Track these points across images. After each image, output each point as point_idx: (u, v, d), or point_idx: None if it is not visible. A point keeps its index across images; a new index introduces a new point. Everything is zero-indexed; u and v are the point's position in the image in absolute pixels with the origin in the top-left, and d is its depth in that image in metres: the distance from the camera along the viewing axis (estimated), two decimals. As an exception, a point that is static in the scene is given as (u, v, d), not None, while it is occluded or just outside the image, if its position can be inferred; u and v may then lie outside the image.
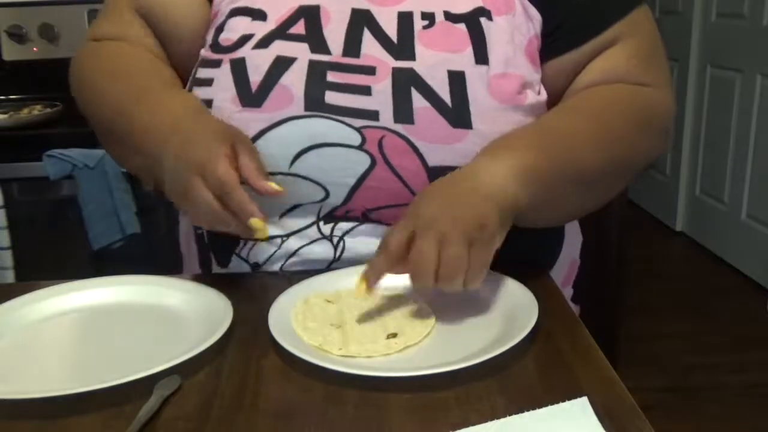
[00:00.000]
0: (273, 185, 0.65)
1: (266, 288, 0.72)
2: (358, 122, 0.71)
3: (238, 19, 0.76)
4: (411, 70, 0.71)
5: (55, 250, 1.70)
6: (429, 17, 0.73)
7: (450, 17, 0.73)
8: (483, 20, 0.73)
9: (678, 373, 2.15)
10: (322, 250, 0.76)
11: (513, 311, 0.65)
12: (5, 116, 1.69)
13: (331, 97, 0.71)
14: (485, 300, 0.68)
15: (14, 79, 1.94)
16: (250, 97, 0.72)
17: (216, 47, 0.76)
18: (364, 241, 0.75)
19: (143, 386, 0.55)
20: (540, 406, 0.51)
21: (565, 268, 0.87)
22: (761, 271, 2.69)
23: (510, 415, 0.51)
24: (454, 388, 0.55)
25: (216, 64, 0.75)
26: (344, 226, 0.75)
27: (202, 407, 0.54)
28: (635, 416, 0.51)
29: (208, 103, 0.74)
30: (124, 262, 1.63)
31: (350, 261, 0.76)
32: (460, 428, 0.50)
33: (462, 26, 0.73)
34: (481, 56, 0.72)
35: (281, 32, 0.74)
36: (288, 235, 0.76)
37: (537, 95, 0.75)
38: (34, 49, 1.91)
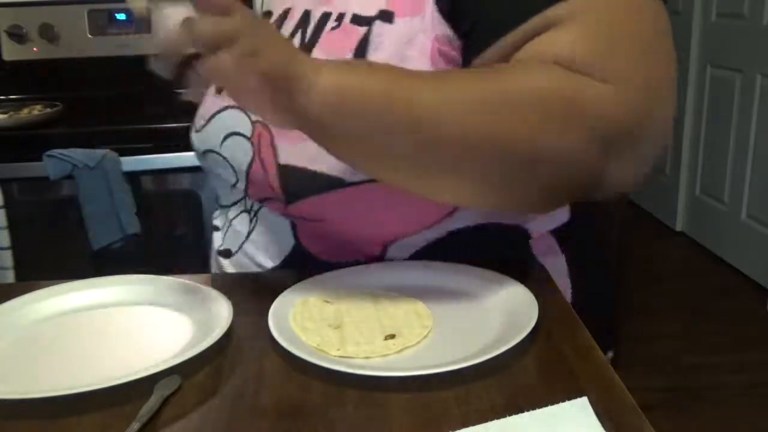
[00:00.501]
0: None
1: (266, 288, 0.72)
2: (255, 116, 0.78)
3: None
4: None
5: (55, 250, 1.70)
6: (340, 19, 0.74)
7: (356, 20, 0.73)
8: (378, 23, 0.71)
9: (678, 373, 2.15)
10: (243, 223, 0.83)
11: (513, 311, 0.65)
12: (5, 116, 1.69)
13: None
14: (485, 300, 0.68)
15: (14, 79, 1.94)
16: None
17: None
18: (269, 225, 0.81)
19: (143, 386, 0.55)
20: (540, 406, 0.51)
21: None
22: (761, 271, 2.69)
23: (510, 415, 0.51)
24: (454, 388, 0.55)
25: None
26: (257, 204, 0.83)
27: (202, 407, 0.54)
28: (635, 416, 0.51)
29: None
30: (124, 262, 1.64)
31: (262, 233, 0.81)
32: (460, 428, 0.50)
33: (363, 30, 0.72)
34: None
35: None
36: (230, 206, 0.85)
37: None
38: (34, 49, 1.91)
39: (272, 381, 0.58)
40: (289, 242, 0.79)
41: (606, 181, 0.63)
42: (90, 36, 1.93)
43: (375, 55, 0.71)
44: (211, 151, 0.83)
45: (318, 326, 0.64)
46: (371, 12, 0.73)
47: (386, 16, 0.72)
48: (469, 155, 0.60)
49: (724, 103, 2.89)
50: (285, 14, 0.81)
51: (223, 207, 0.88)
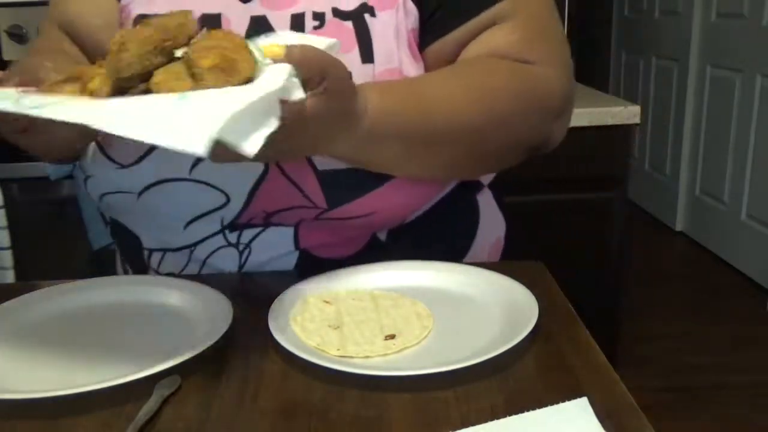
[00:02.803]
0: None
1: (266, 288, 0.72)
2: None
3: None
4: None
5: (55, 250, 1.70)
6: (320, 17, 0.74)
7: (338, 14, 0.74)
8: (367, 17, 0.73)
9: (678, 373, 2.15)
10: (230, 258, 0.78)
11: (513, 311, 0.65)
12: (5, 116, 1.68)
13: None
14: (485, 300, 0.68)
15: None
16: None
17: None
18: (268, 247, 0.77)
19: (143, 386, 0.55)
20: (540, 406, 0.51)
21: (486, 249, 0.89)
22: (761, 271, 2.69)
23: (510, 415, 0.51)
24: (454, 388, 0.55)
25: None
26: (249, 233, 0.77)
27: (202, 407, 0.54)
28: (635, 416, 0.51)
29: None
30: (124, 262, 1.63)
31: (256, 267, 0.78)
32: (460, 428, 0.50)
33: (349, 24, 0.73)
34: (367, 55, 0.73)
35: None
36: (195, 245, 0.78)
37: None
38: (34, 48, 1.91)
39: (272, 381, 0.58)
40: (290, 253, 0.78)
41: (550, 140, 0.79)
42: (90, 36, 1.92)
43: (379, 50, 0.72)
44: (166, 181, 0.73)
45: (318, 326, 0.64)
46: (351, 6, 0.74)
47: (369, 9, 0.74)
48: (465, 149, 0.73)
49: (724, 103, 2.89)
50: (206, 20, 0.75)
51: (169, 250, 0.80)
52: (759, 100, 2.66)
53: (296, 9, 0.75)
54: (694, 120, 3.14)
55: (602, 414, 0.50)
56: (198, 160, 0.72)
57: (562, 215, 1.79)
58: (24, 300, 0.71)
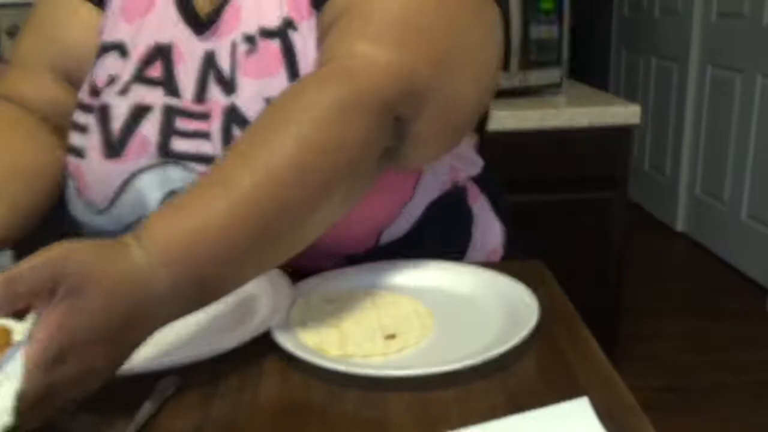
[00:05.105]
0: None
1: (266, 288, 0.72)
2: (201, 168, 0.70)
3: (108, 56, 0.76)
4: (233, 107, 0.70)
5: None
6: (251, 40, 0.71)
7: (264, 33, 0.71)
8: (290, 32, 0.71)
9: (678, 373, 2.15)
10: None
11: (513, 311, 0.65)
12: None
13: (178, 144, 0.71)
14: (485, 300, 0.68)
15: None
16: (112, 147, 0.72)
17: (93, 89, 0.76)
18: None
19: (143, 386, 0.55)
20: (540, 406, 0.51)
21: (482, 258, 0.87)
22: (761, 271, 2.69)
23: (510, 415, 0.51)
24: (454, 388, 0.55)
25: (89, 109, 0.74)
26: None
27: (202, 407, 0.54)
28: (635, 416, 0.51)
29: (81, 151, 0.73)
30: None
31: None
32: (460, 428, 0.50)
33: (276, 43, 0.71)
34: (294, 73, 0.70)
35: (140, 75, 0.73)
36: None
37: None
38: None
39: (272, 381, 0.58)
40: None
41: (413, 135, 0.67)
42: (90, 36, 1.92)
43: (305, 68, 0.70)
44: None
45: (318, 326, 0.64)
46: (276, 23, 0.71)
47: (291, 24, 0.71)
48: (335, 191, 0.59)
49: (724, 103, 2.89)
50: (159, 51, 0.73)
51: None
52: (759, 100, 2.66)
53: (234, 35, 0.72)
54: (694, 120, 3.14)
55: (602, 414, 0.50)
56: (165, 198, 0.70)
57: (562, 215, 1.79)
58: None
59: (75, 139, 0.75)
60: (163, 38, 0.74)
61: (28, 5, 1.90)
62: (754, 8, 2.66)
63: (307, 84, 0.62)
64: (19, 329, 0.49)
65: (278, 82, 0.69)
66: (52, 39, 0.81)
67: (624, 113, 1.74)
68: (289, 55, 0.70)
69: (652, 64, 3.46)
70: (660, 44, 3.35)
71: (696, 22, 3.05)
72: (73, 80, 0.81)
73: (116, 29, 0.76)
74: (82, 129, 0.74)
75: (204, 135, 0.70)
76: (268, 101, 0.69)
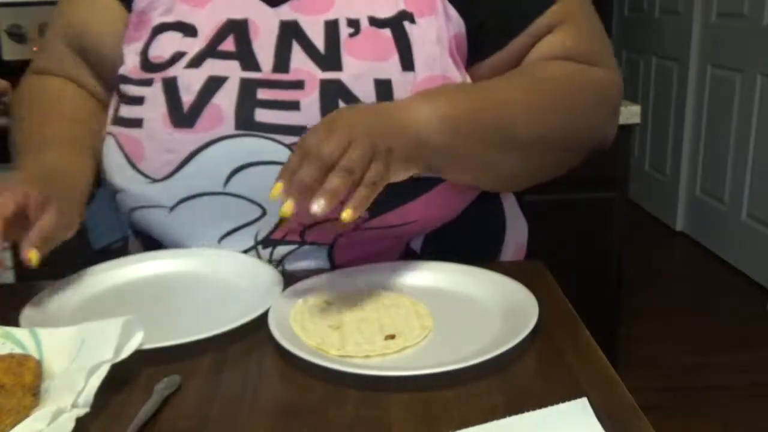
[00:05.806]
0: (30, 254, 0.67)
1: (266, 288, 0.72)
2: (288, 139, 0.70)
3: (169, 35, 0.76)
4: (338, 82, 0.71)
5: (55, 250, 1.70)
6: (354, 24, 0.73)
7: (375, 23, 0.73)
8: (406, 24, 0.73)
9: (678, 373, 2.15)
10: None
11: (513, 311, 0.65)
12: (5, 116, 1.68)
13: (262, 115, 0.71)
14: (485, 300, 0.68)
15: (14, 79, 1.94)
16: (182, 117, 0.72)
17: (147, 65, 0.76)
18: (302, 264, 0.76)
19: (143, 386, 0.55)
20: (540, 406, 0.51)
21: (508, 255, 0.89)
22: (761, 271, 2.69)
23: (510, 415, 0.51)
24: (454, 388, 0.55)
25: (147, 82, 0.74)
26: (282, 249, 0.75)
27: (202, 407, 0.54)
28: (635, 416, 0.51)
29: (138, 122, 0.74)
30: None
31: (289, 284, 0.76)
32: (460, 428, 0.50)
33: (387, 32, 0.72)
34: (407, 62, 0.72)
35: (212, 50, 0.74)
36: None
37: None
38: (34, 48, 1.91)
39: (272, 381, 0.58)
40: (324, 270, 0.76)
41: (608, 138, 0.82)
42: (90, 36, 1.92)
43: (420, 56, 0.72)
44: (200, 195, 0.73)
45: (318, 326, 0.64)
46: (389, 14, 0.73)
47: (408, 16, 0.73)
48: (540, 152, 0.75)
49: (724, 103, 2.89)
50: (233, 26, 0.75)
51: None
52: (759, 99, 2.66)
53: (329, 15, 0.74)
54: (694, 120, 3.14)
55: (602, 414, 0.50)
56: (233, 173, 0.71)
57: (562, 215, 1.78)
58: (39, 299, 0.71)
59: (127, 111, 0.75)
60: (236, 14, 0.75)
61: (28, 5, 1.89)
62: (754, 8, 2.66)
63: (552, 61, 0.76)
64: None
65: (388, 66, 0.71)
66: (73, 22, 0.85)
67: (624, 113, 1.74)
68: (404, 44, 0.72)
69: (652, 64, 3.45)
70: (660, 44, 3.35)
71: (696, 22, 3.05)
72: (88, 62, 0.85)
73: (173, 11, 0.77)
74: (136, 101, 0.75)
75: (291, 105, 0.71)
76: (379, 83, 0.71)
